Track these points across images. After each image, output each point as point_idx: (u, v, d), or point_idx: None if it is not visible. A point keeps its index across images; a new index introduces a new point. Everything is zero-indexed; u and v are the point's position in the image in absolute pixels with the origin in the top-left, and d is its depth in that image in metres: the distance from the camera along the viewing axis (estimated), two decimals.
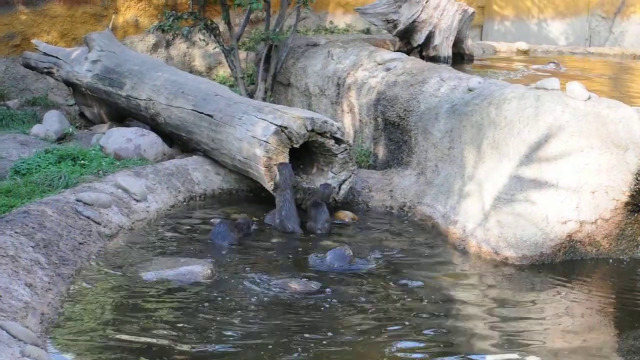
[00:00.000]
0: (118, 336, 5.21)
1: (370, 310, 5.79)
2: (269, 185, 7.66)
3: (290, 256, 6.97)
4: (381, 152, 9.00)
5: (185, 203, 8.02)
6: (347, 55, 10.13)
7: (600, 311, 6.07)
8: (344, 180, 7.97)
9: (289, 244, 7.23)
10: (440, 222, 7.56)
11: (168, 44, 13.47)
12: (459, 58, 11.48)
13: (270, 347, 5.14)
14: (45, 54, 11.51)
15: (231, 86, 11.35)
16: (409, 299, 6.03)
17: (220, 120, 8.29)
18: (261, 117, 7.88)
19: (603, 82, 10.37)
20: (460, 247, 7.17)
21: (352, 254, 6.70)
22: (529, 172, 6.89)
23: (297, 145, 7.70)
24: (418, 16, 10.97)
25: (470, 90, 7.82)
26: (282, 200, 7.58)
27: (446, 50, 11.17)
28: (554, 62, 11.31)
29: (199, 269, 6.29)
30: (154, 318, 5.52)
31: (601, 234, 6.91)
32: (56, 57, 11.34)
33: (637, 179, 6.62)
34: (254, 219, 7.70)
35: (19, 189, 7.64)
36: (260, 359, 5.01)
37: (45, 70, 11.58)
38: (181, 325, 5.40)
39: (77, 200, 6.99)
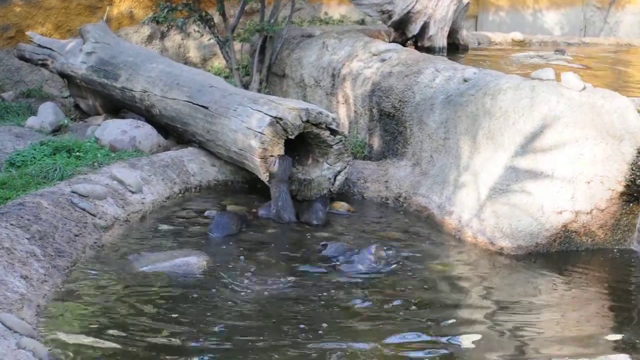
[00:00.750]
0: (112, 328, 5.21)
1: (365, 302, 5.80)
2: (264, 177, 7.66)
3: (287, 246, 6.98)
4: (376, 143, 9.00)
5: (180, 194, 8.02)
6: (342, 46, 10.12)
7: (595, 301, 6.08)
8: (339, 171, 7.96)
9: (284, 235, 7.23)
10: (435, 213, 7.57)
11: (163, 36, 13.46)
12: (454, 48, 11.48)
13: (265, 338, 5.15)
14: (39, 45, 11.49)
15: (226, 77, 11.35)
16: (404, 290, 6.04)
17: (216, 112, 8.29)
18: (256, 108, 7.87)
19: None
20: (456, 238, 7.18)
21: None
22: (524, 163, 6.90)
23: (292, 137, 7.69)
24: (413, 7, 10.95)
25: (465, 80, 7.82)
26: (278, 191, 7.59)
27: (441, 41, 11.16)
28: (560, 50, 11.34)
29: (194, 261, 6.29)
30: (148, 310, 5.52)
31: (596, 224, 6.92)
32: (51, 49, 11.32)
33: (633, 169, 6.63)
34: (253, 210, 7.71)
35: (14, 181, 7.63)
36: (255, 351, 5.02)
37: (39, 62, 11.55)
38: (176, 316, 5.41)
39: (73, 192, 6.98)
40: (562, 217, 6.83)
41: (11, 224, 5.99)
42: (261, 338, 5.15)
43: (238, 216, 7.34)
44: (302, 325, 5.34)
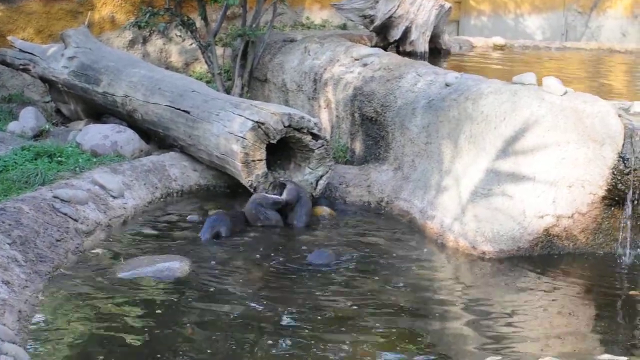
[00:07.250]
0: (94, 333, 5.20)
1: (346, 306, 5.79)
2: (246, 181, 7.66)
3: (269, 250, 6.97)
4: (358, 147, 9.01)
5: (162, 199, 8.01)
6: (323, 51, 10.13)
7: (576, 305, 6.10)
8: (321, 176, 7.97)
9: (267, 238, 7.21)
10: (417, 217, 7.57)
11: (145, 40, 13.42)
12: (436, 53, 11.52)
13: (247, 343, 5.15)
14: (21, 50, 11.44)
15: (208, 82, 11.34)
16: (386, 295, 6.04)
17: (197, 117, 8.28)
18: (238, 113, 7.87)
19: None
20: (438, 242, 7.19)
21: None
22: (506, 167, 6.91)
23: (274, 141, 7.69)
24: (394, 11, 10.98)
25: (447, 85, 7.83)
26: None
27: (423, 46, 11.20)
28: None
29: (177, 265, 6.28)
30: (131, 315, 5.51)
31: (578, 228, 6.93)
32: (32, 54, 11.28)
33: (614, 173, 6.64)
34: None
35: None
36: (237, 356, 5.01)
37: (21, 67, 11.50)
38: (159, 321, 5.39)
39: (54, 197, 6.96)
40: (543, 221, 6.84)
41: None
42: (245, 342, 5.15)
43: (232, 217, 7.32)
44: (281, 332, 5.33)
